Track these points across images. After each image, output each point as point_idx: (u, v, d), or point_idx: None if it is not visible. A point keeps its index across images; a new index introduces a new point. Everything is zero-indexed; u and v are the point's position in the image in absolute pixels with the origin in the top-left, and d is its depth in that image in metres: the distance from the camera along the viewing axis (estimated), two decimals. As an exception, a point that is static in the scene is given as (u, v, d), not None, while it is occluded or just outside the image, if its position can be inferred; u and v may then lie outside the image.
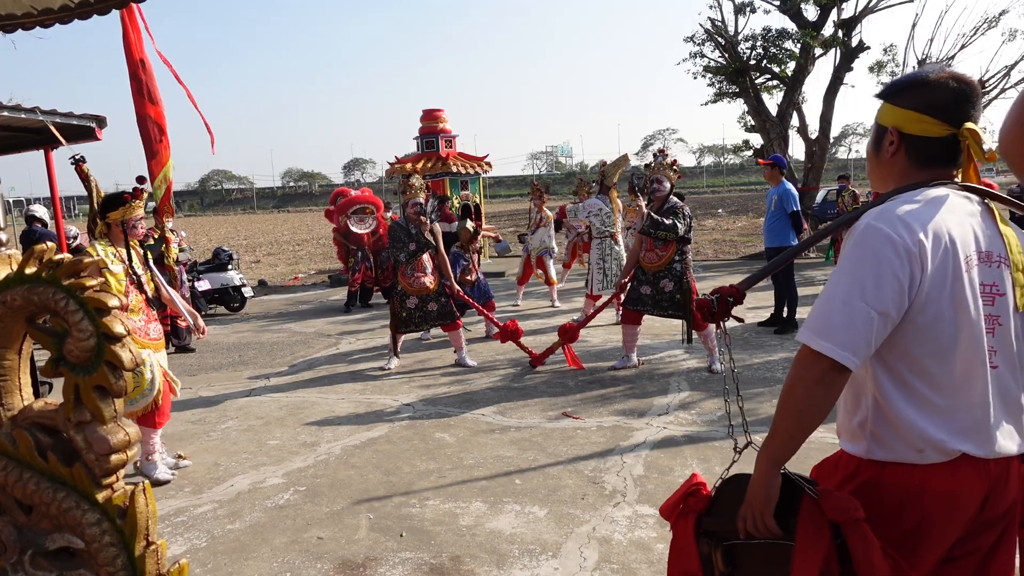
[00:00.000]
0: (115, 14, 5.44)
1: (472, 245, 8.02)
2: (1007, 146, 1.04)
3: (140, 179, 4.37)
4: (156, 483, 4.06)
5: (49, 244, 1.33)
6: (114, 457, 1.21)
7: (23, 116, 6.60)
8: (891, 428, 1.41)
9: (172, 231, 7.83)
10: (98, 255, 3.87)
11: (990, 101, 15.76)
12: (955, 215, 1.42)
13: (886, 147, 1.52)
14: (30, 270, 1.25)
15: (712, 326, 6.02)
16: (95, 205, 4.01)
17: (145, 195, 4.18)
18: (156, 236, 7.73)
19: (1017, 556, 1.52)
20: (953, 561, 1.46)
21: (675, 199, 5.95)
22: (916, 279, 1.35)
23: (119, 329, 1.18)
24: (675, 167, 6.04)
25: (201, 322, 4.53)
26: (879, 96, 1.56)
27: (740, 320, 1.86)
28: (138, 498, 1.23)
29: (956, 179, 1.50)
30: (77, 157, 4.05)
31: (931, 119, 1.45)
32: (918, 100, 1.47)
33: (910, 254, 1.34)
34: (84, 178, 4.00)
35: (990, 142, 1.46)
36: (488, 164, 14.57)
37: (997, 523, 1.46)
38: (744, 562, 1.49)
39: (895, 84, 1.54)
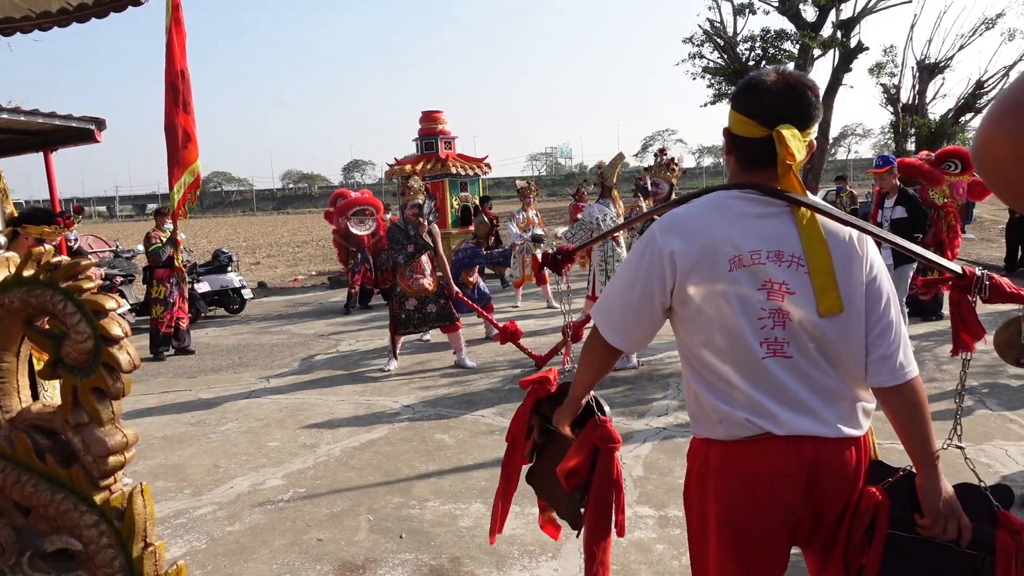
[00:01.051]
0: (160, 25, 5.53)
1: (488, 238, 8.03)
2: (992, 165, 0.75)
3: (77, 208, 4.30)
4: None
5: (47, 247, 1.33)
6: (112, 459, 1.21)
7: (22, 119, 6.61)
8: (699, 404, 1.58)
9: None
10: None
11: (989, 102, 15.77)
12: (731, 218, 1.50)
13: (726, 147, 1.62)
14: (28, 272, 1.25)
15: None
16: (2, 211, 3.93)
17: (72, 226, 4.04)
18: (164, 239, 7.75)
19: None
20: (808, 542, 1.60)
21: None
22: (668, 280, 1.52)
23: (117, 331, 1.19)
24: (673, 166, 6.02)
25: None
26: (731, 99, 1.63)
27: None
28: (136, 499, 1.23)
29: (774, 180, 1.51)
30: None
31: (750, 120, 1.50)
32: (743, 101, 1.53)
33: (662, 257, 1.51)
34: None
35: (800, 147, 1.47)
36: (487, 165, 14.56)
37: (833, 506, 1.53)
38: (551, 441, 2.13)
39: (736, 87, 1.60)
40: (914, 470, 1.54)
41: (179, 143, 5.65)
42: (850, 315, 1.49)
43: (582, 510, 1.99)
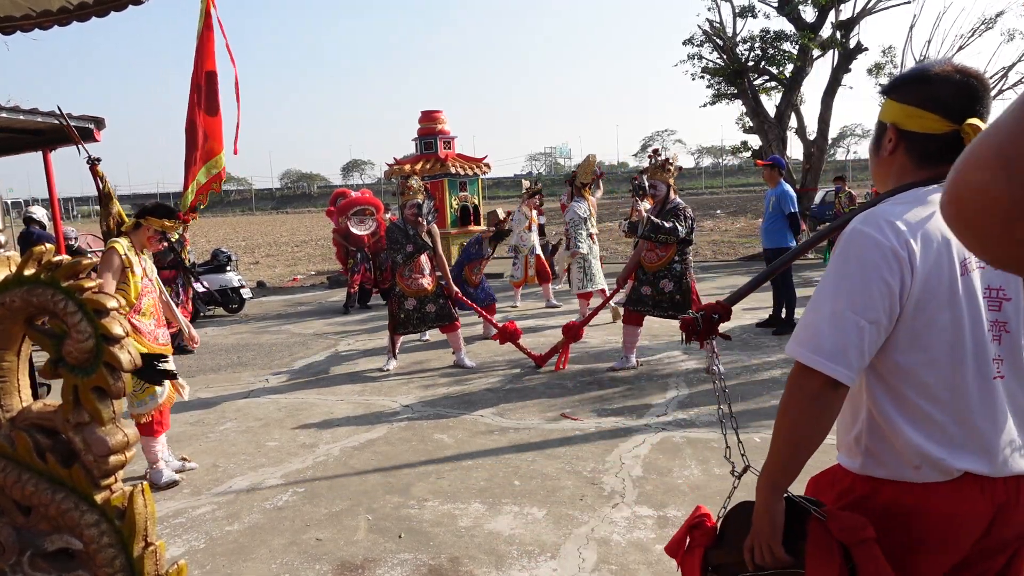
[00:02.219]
0: (193, 26, 5.62)
1: (501, 231, 8.04)
2: (968, 203, 0.67)
3: (185, 214, 4.56)
4: (167, 486, 4.07)
5: (48, 246, 1.33)
6: (113, 458, 1.21)
7: (21, 118, 6.60)
8: (886, 443, 1.34)
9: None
10: (123, 252, 3.91)
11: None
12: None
13: (885, 144, 1.45)
14: (29, 272, 1.25)
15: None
16: (110, 205, 4.09)
17: (189, 222, 4.43)
18: (174, 238, 7.75)
19: None
20: None
21: (677, 199, 5.95)
22: (906, 284, 1.28)
23: (118, 330, 1.19)
24: (668, 165, 6.02)
25: (194, 331, 4.54)
26: (882, 92, 1.48)
27: (727, 338, 1.79)
28: (136, 499, 1.23)
29: None
30: (94, 158, 4.11)
31: (930, 114, 1.36)
32: (917, 95, 1.38)
33: (898, 258, 1.28)
34: (99, 178, 4.06)
35: None
36: (487, 165, 14.56)
37: (1006, 547, 1.38)
38: None
39: (898, 78, 1.46)
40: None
41: (198, 144, 5.70)
42: None
43: None
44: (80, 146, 4.18)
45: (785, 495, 1.38)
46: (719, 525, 1.52)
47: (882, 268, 1.27)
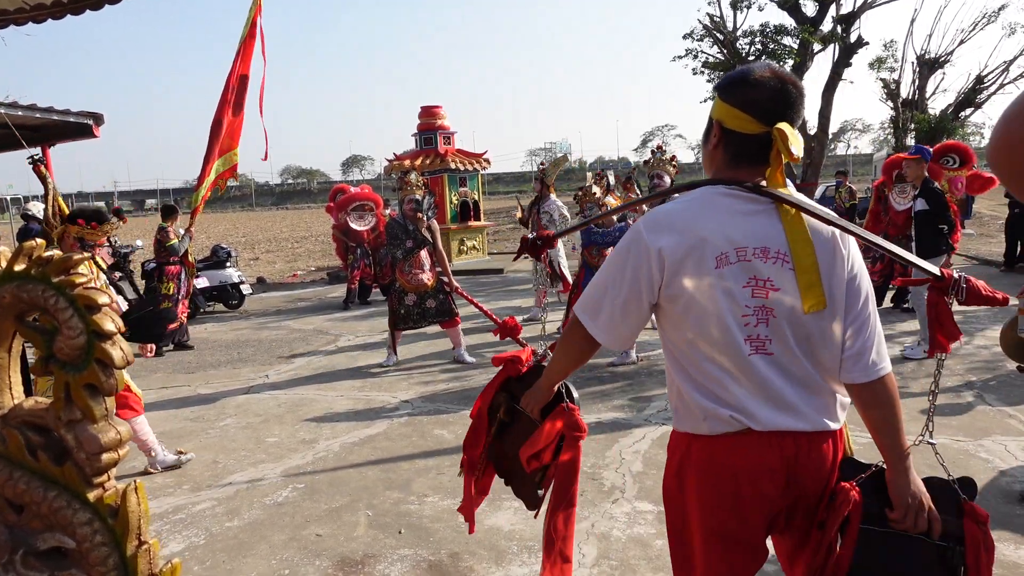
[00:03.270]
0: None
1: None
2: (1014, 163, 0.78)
3: (116, 211, 4.39)
4: (174, 467, 4.17)
5: (39, 241, 1.32)
6: (105, 456, 1.19)
7: (19, 113, 6.58)
8: (682, 400, 1.59)
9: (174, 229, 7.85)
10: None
11: (989, 96, 15.76)
12: (718, 215, 1.50)
13: (710, 139, 1.60)
14: (19, 267, 1.23)
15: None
16: (53, 205, 4.02)
17: (115, 227, 4.18)
18: (180, 235, 7.77)
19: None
20: (780, 532, 1.64)
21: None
22: (656, 277, 1.51)
23: (109, 327, 1.17)
24: (674, 162, 6.04)
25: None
26: (714, 89, 1.62)
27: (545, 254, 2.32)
28: (130, 497, 1.22)
29: (762, 176, 1.53)
30: (36, 157, 4.06)
31: (747, 116, 1.50)
32: (739, 96, 1.52)
33: (650, 254, 1.50)
34: (41, 178, 4.00)
35: (799, 145, 1.49)
36: (487, 161, 14.54)
37: (810, 498, 1.57)
38: (516, 421, 2.10)
39: (726, 78, 1.59)
40: (884, 465, 1.56)
41: (220, 141, 5.75)
42: (831, 312, 1.52)
43: (540, 492, 2.03)
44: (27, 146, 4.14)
45: (560, 386, 1.92)
46: (526, 370, 2.12)
47: (638, 260, 1.53)
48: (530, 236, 2.20)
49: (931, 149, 6.70)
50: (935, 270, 1.53)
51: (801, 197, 1.56)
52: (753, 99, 1.50)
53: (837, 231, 1.54)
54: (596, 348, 1.69)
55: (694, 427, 1.57)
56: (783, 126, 1.48)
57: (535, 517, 2.13)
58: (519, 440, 2.01)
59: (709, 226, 1.49)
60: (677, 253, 1.48)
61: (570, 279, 8.05)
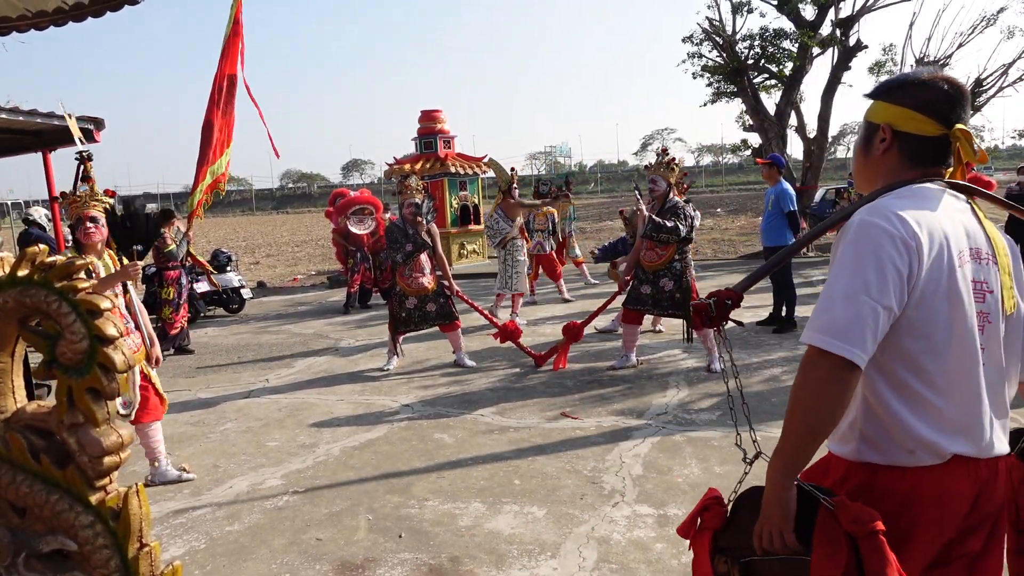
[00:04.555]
0: (220, 31, 5.73)
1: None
2: None
3: (84, 179, 4.11)
4: (175, 482, 4.10)
5: (42, 247, 1.33)
6: (107, 459, 1.20)
7: (21, 119, 6.60)
8: (882, 429, 1.39)
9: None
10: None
11: (988, 99, 15.77)
12: (946, 211, 1.43)
13: (877, 144, 1.52)
14: (22, 272, 1.24)
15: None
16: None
17: (86, 190, 3.84)
18: (177, 239, 7.78)
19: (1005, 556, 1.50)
20: (944, 566, 1.42)
21: (675, 198, 5.95)
22: (914, 272, 1.33)
23: (112, 331, 1.18)
24: (674, 165, 6.03)
25: (157, 350, 4.17)
26: (871, 95, 1.56)
27: (740, 324, 1.83)
28: (131, 500, 1.23)
29: (944, 178, 1.50)
30: (85, 153, 3.98)
31: (925, 117, 1.45)
32: (913, 98, 1.46)
33: (908, 247, 1.33)
34: (86, 177, 3.94)
35: (979, 144, 1.48)
36: (487, 165, 14.56)
37: (986, 524, 1.43)
38: (756, 574, 1.45)
39: (889, 82, 1.54)
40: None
41: (212, 144, 5.76)
42: (1020, 315, 1.47)
43: None
44: (84, 143, 4.07)
45: (796, 482, 1.39)
46: (730, 509, 1.55)
47: (894, 256, 1.32)
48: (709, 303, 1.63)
49: None
50: None
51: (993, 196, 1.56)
52: (930, 100, 1.45)
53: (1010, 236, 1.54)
54: (853, 383, 1.32)
55: (889, 458, 1.38)
56: (963, 127, 1.44)
57: None
58: None
59: (945, 223, 1.39)
60: (932, 246, 1.34)
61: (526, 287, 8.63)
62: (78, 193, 3.81)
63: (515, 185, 8.68)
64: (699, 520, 1.56)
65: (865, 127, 1.55)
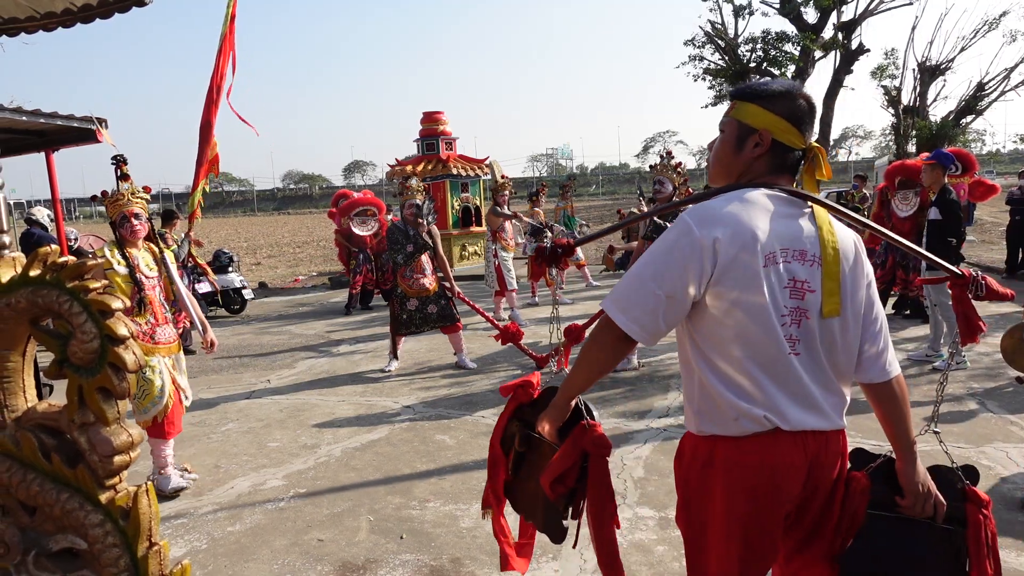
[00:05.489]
0: (216, 31, 5.74)
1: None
2: None
3: (103, 193, 4.22)
4: (173, 493, 3.98)
5: (53, 247, 1.34)
6: (117, 458, 1.21)
7: (24, 119, 6.62)
8: (711, 402, 1.58)
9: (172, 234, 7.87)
10: (103, 257, 3.87)
11: (990, 103, 15.79)
12: (765, 215, 1.53)
13: (750, 147, 1.61)
14: (34, 272, 1.25)
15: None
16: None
17: (128, 188, 3.98)
18: (179, 239, 7.79)
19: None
20: (789, 531, 1.67)
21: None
22: (707, 271, 1.49)
23: (122, 331, 1.19)
24: (679, 170, 6.06)
25: (211, 334, 4.33)
26: (745, 96, 1.63)
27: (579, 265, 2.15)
28: (141, 499, 1.24)
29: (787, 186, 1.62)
30: (120, 157, 4.05)
31: (795, 130, 1.59)
32: (788, 110, 1.58)
33: (703, 248, 1.48)
34: (125, 177, 4.00)
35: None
36: (488, 167, 14.57)
37: (819, 496, 1.64)
38: (532, 449, 2.01)
39: (765, 88, 1.62)
40: (893, 456, 1.69)
41: (210, 143, 5.77)
42: (851, 316, 1.59)
43: (564, 523, 1.95)
44: (112, 144, 4.10)
45: (577, 402, 1.87)
46: (537, 394, 2.07)
47: (686, 253, 1.49)
48: (546, 245, 2.07)
49: (950, 153, 6.66)
50: (955, 269, 1.69)
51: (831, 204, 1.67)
52: (798, 114, 1.58)
53: (858, 239, 1.64)
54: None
55: (723, 428, 1.57)
56: (816, 144, 1.61)
57: (574, 547, 2.13)
58: (538, 468, 1.91)
59: (759, 225, 1.51)
60: (731, 248, 1.48)
61: (514, 283, 8.84)
62: (120, 191, 3.95)
63: (504, 192, 9.04)
64: (516, 390, 2.10)
65: (737, 126, 1.63)
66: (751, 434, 1.54)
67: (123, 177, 3.98)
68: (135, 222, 3.94)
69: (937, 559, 1.62)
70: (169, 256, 4.22)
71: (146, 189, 4.10)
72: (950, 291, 1.77)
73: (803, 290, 1.53)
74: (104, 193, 4.03)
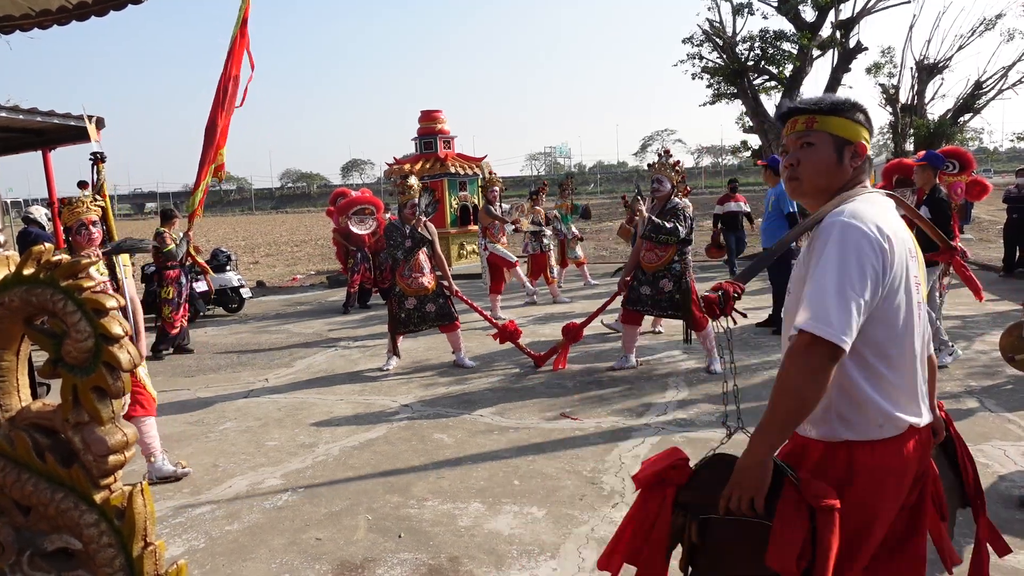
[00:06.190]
0: (220, 31, 5.79)
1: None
2: None
3: (80, 184, 4.25)
4: (171, 477, 4.08)
5: (47, 245, 1.33)
6: (112, 458, 1.21)
7: (21, 117, 6.60)
8: (855, 408, 1.56)
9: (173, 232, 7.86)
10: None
11: (988, 102, 15.81)
12: (896, 217, 1.65)
13: (848, 157, 1.69)
14: (28, 271, 1.25)
15: (711, 327, 6.08)
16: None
17: (87, 195, 3.95)
18: (177, 238, 7.79)
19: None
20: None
21: (676, 199, 5.96)
22: (887, 270, 1.52)
23: (117, 330, 1.18)
24: (678, 168, 6.05)
25: (142, 346, 4.30)
26: (826, 110, 1.68)
27: (743, 315, 1.88)
28: (136, 499, 1.23)
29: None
30: (98, 153, 4.02)
31: (870, 139, 1.72)
32: (866, 121, 1.71)
33: (882, 249, 1.51)
34: (97, 175, 3.98)
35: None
36: (487, 166, 14.55)
37: (921, 479, 1.68)
38: (717, 536, 1.57)
39: (841, 102, 1.71)
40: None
41: (215, 144, 5.78)
42: (924, 302, 1.71)
43: None
44: (98, 141, 4.07)
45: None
46: (695, 469, 1.68)
47: (871, 256, 1.50)
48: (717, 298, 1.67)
49: (940, 154, 6.68)
50: (949, 241, 1.88)
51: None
52: (871, 124, 1.73)
53: None
54: (835, 366, 1.47)
55: (862, 434, 1.56)
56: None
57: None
58: (736, 557, 1.54)
59: (899, 226, 1.61)
60: (897, 248, 1.55)
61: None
62: (81, 198, 3.93)
63: (494, 188, 9.27)
64: (664, 475, 1.67)
65: (833, 140, 1.68)
66: (889, 437, 1.58)
67: (98, 175, 3.96)
68: (92, 229, 3.92)
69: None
70: (124, 260, 4.14)
71: (102, 194, 4.05)
72: (938, 273, 1.92)
73: (918, 284, 1.65)
74: (62, 200, 4.03)
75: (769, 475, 1.50)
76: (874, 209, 1.59)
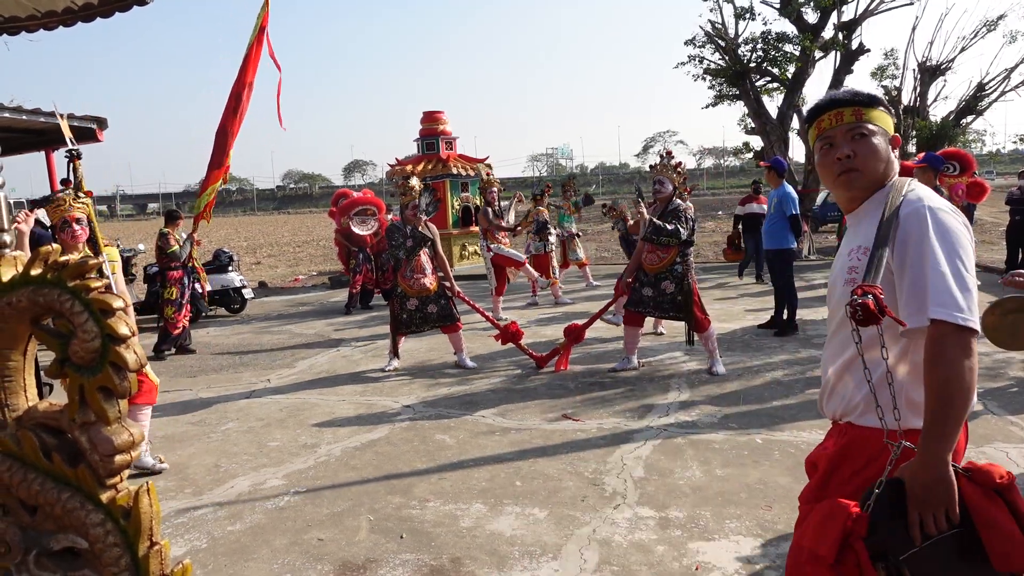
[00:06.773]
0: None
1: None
2: None
3: (63, 182, 4.28)
4: (147, 471, 4.11)
5: (55, 246, 1.34)
6: (118, 458, 1.21)
7: (24, 118, 6.62)
8: (907, 399, 1.53)
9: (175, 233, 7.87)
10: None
11: (990, 104, 15.79)
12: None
13: (892, 149, 1.73)
14: (35, 271, 1.25)
15: (712, 328, 6.08)
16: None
17: (69, 193, 3.95)
18: (181, 240, 7.81)
19: None
20: None
21: (677, 200, 5.96)
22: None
23: (124, 330, 1.19)
24: (679, 170, 6.05)
25: None
26: (872, 104, 1.71)
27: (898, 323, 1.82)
28: (142, 499, 1.24)
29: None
30: (75, 152, 4.02)
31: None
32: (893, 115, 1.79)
33: (969, 233, 1.55)
34: (74, 172, 3.98)
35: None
36: (488, 166, 14.56)
37: None
38: (925, 570, 1.39)
39: (877, 96, 1.73)
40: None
41: (226, 149, 5.80)
42: None
43: None
44: (74, 144, 4.07)
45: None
46: (868, 511, 1.45)
47: (968, 238, 1.53)
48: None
49: (940, 155, 6.69)
50: None
51: None
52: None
53: None
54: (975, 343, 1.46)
55: (913, 421, 1.52)
56: None
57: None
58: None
59: None
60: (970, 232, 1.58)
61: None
62: (63, 195, 3.94)
63: (492, 189, 9.21)
64: (847, 536, 1.43)
65: (882, 133, 1.70)
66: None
67: (75, 173, 3.96)
68: (76, 227, 3.92)
69: None
70: (111, 256, 4.15)
71: (88, 193, 4.06)
72: None
73: None
74: (45, 198, 4.05)
75: (955, 481, 1.39)
76: (936, 195, 1.62)
